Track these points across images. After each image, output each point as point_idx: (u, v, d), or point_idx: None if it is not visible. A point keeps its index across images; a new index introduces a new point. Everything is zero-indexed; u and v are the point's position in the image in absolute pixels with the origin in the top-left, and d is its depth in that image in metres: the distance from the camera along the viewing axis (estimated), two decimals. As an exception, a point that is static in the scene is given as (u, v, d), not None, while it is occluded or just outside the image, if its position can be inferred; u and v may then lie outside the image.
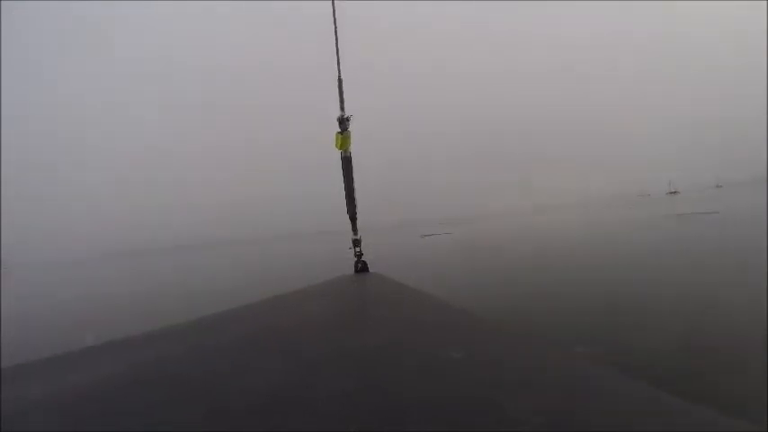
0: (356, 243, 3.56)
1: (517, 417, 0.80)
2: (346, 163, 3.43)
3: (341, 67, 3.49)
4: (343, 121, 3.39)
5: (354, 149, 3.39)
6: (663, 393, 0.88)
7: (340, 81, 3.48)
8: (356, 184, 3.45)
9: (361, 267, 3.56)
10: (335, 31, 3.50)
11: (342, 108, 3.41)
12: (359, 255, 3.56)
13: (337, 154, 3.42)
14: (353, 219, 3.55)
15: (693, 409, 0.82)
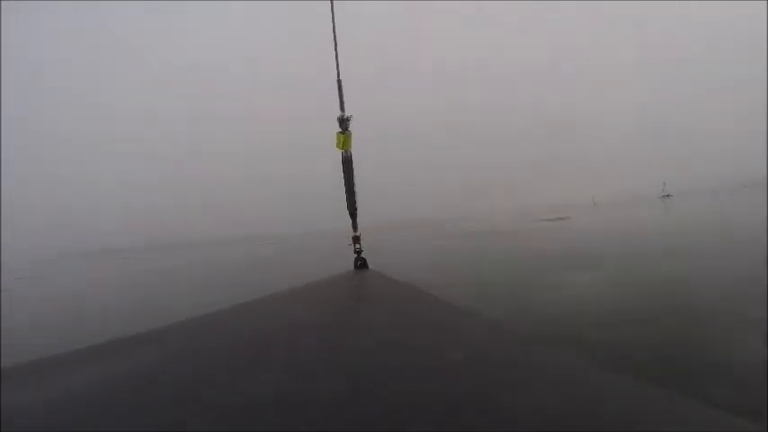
0: (356, 240, 3.56)
1: (517, 417, 0.80)
2: (347, 163, 3.44)
3: (340, 68, 3.49)
4: (344, 122, 3.39)
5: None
6: (663, 393, 0.89)
7: (339, 82, 3.49)
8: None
9: (361, 264, 3.55)
10: (334, 31, 3.50)
11: (342, 108, 3.42)
12: (358, 251, 3.55)
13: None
14: (353, 215, 3.56)
15: (693, 409, 0.82)
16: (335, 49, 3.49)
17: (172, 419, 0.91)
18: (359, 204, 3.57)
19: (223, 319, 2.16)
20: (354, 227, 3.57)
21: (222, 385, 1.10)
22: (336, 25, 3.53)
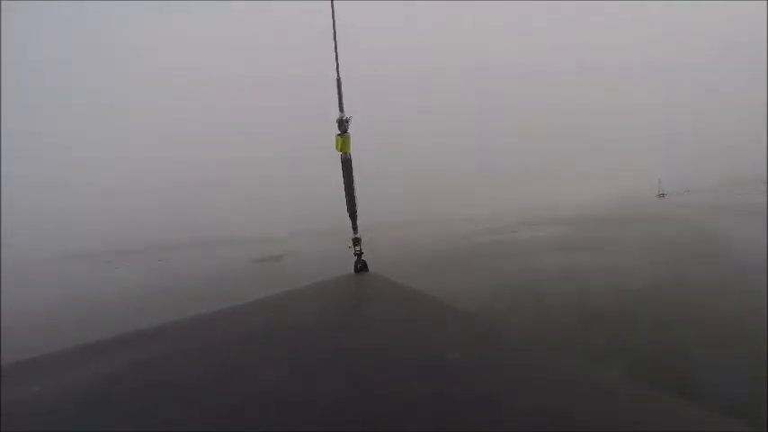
0: (356, 242, 3.55)
1: (517, 417, 0.80)
2: (346, 165, 3.42)
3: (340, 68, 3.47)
4: (343, 123, 3.37)
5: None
6: (663, 393, 0.88)
7: (339, 81, 3.46)
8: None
9: (361, 267, 3.54)
10: (333, 29, 3.49)
11: (341, 109, 3.39)
12: (359, 254, 3.54)
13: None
14: (353, 217, 3.54)
15: (693, 410, 0.82)
16: (335, 47, 3.47)
17: (171, 418, 0.91)
18: (360, 206, 3.56)
19: (221, 320, 2.16)
20: (354, 228, 3.56)
21: (222, 385, 1.10)
22: (335, 26, 3.51)
